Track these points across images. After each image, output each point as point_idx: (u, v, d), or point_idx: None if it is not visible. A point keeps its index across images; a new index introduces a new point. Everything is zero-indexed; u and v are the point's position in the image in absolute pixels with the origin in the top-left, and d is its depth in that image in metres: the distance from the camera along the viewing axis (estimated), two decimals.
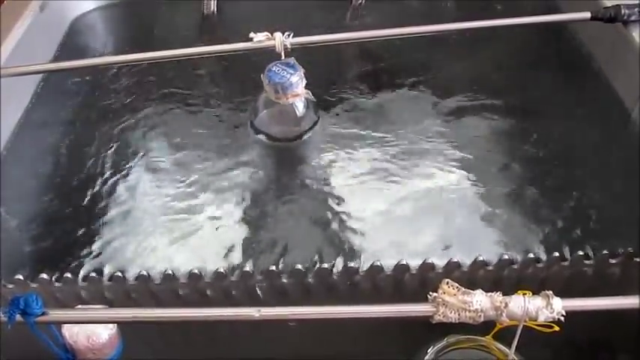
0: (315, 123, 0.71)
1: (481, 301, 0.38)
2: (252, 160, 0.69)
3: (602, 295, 0.40)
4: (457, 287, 0.39)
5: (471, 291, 0.38)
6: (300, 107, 0.69)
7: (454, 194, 0.64)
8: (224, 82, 0.81)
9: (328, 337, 0.52)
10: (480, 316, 0.38)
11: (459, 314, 0.38)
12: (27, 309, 0.39)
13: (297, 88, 0.66)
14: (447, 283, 0.39)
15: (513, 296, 0.39)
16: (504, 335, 0.41)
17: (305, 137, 0.70)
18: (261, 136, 0.71)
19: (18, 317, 0.39)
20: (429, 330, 0.40)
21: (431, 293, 0.39)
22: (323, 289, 0.56)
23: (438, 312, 0.38)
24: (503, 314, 0.38)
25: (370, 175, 0.66)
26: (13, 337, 0.39)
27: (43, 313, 0.39)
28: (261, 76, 0.66)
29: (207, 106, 0.77)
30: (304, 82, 0.66)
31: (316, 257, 0.58)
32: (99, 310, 0.43)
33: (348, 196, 0.64)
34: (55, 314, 0.39)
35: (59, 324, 0.43)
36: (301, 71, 0.66)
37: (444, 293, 0.38)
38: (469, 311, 0.38)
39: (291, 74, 0.65)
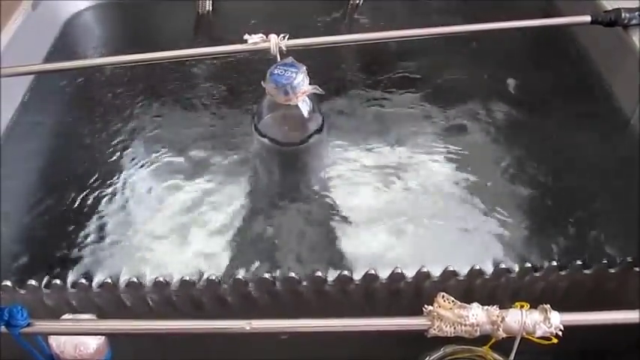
0: (321, 126, 0.70)
1: (477, 315, 0.37)
2: (256, 165, 0.68)
3: (600, 305, 0.39)
4: (453, 301, 0.38)
5: (467, 305, 0.38)
6: (305, 109, 0.68)
7: (455, 201, 0.63)
8: (223, 83, 0.80)
9: (321, 345, 0.51)
10: (477, 330, 0.38)
11: (454, 328, 0.38)
12: (11, 320, 0.38)
13: (304, 85, 0.65)
14: (443, 296, 0.38)
15: (510, 310, 0.38)
16: (502, 345, 0.40)
17: (310, 141, 0.69)
18: (265, 140, 0.70)
19: (3, 328, 0.38)
20: (426, 339, 0.39)
21: (426, 306, 0.38)
22: (318, 297, 0.55)
23: (433, 326, 0.38)
24: (500, 329, 0.37)
25: (375, 180, 0.65)
26: (7, 344, 0.38)
27: (28, 324, 0.38)
28: (262, 82, 0.65)
29: (205, 107, 0.76)
30: (307, 78, 0.65)
31: (314, 266, 0.57)
32: (85, 322, 0.42)
33: (351, 202, 0.64)
34: (41, 325, 0.39)
35: (45, 335, 0.42)
36: (303, 68, 0.65)
37: (440, 307, 0.38)
38: (465, 325, 0.37)
39: (296, 73, 0.64)
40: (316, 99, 0.67)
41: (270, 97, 0.66)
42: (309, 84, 0.65)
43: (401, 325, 0.38)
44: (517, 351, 0.39)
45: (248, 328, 0.38)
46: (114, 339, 0.47)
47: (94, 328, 0.40)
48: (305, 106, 0.67)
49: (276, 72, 0.64)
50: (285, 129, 0.69)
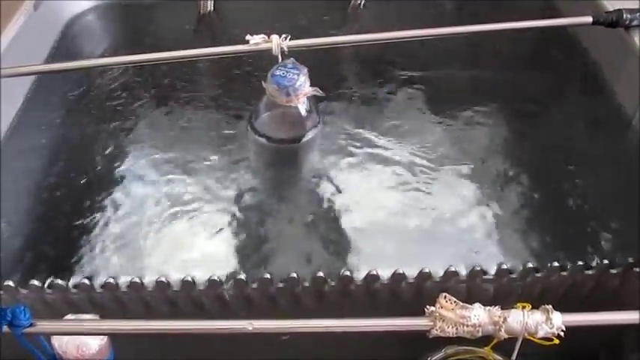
0: (317, 124, 0.70)
1: (479, 316, 0.37)
2: (252, 163, 0.68)
3: (601, 305, 0.39)
4: (455, 301, 0.38)
5: (469, 305, 0.38)
6: (302, 109, 0.68)
7: (455, 201, 0.63)
8: (222, 83, 0.80)
9: (323, 345, 0.51)
10: (478, 330, 0.38)
11: (456, 329, 0.38)
12: (14, 320, 0.38)
13: (305, 87, 0.65)
14: (445, 297, 0.38)
15: (512, 310, 0.38)
16: (504, 346, 0.40)
17: (306, 139, 0.69)
18: (262, 139, 0.70)
19: (5, 328, 0.38)
20: (428, 340, 0.39)
21: (428, 307, 0.38)
22: (319, 297, 0.55)
23: (435, 326, 0.38)
24: (502, 329, 0.37)
25: (371, 178, 0.66)
26: (8, 343, 0.38)
27: (31, 325, 0.38)
28: (263, 82, 0.65)
29: (205, 108, 0.76)
30: (308, 80, 0.66)
31: (314, 265, 0.57)
32: (87, 322, 0.42)
33: (347, 201, 0.64)
34: (43, 325, 0.39)
35: (47, 335, 0.42)
36: (305, 70, 0.65)
37: (442, 307, 0.38)
38: (467, 326, 0.38)
39: (297, 75, 0.65)
40: (314, 98, 0.68)
41: (270, 97, 0.66)
42: (310, 85, 0.66)
43: (403, 325, 0.38)
44: (519, 352, 0.39)
45: (250, 328, 0.38)
46: (116, 340, 0.47)
47: (96, 328, 0.40)
48: (302, 106, 0.67)
49: (277, 73, 0.65)
50: (283, 128, 0.69)
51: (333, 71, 0.81)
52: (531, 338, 0.38)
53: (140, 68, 0.80)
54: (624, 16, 0.68)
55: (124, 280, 0.55)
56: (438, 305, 0.38)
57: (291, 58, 0.65)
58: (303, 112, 0.68)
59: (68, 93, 0.79)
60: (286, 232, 0.61)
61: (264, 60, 0.66)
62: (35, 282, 0.54)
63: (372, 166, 0.67)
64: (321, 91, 0.67)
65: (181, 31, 0.90)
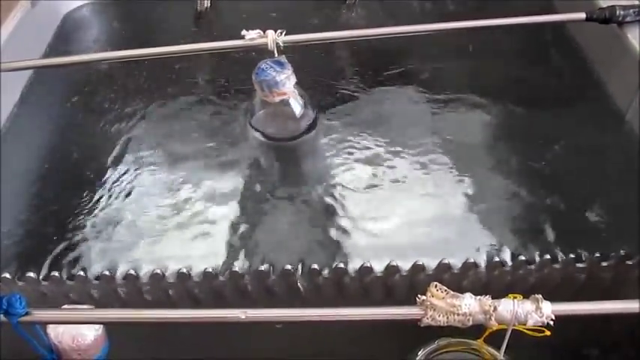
0: (313, 122, 0.70)
1: (470, 305, 0.38)
2: (249, 160, 0.69)
3: (594, 297, 0.39)
4: (445, 290, 0.38)
5: (460, 294, 0.38)
6: (295, 106, 0.68)
7: (449, 195, 0.63)
8: (219, 80, 0.80)
9: (316, 338, 0.52)
10: (469, 319, 0.38)
11: (447, 317, 0.38)
12: (10, 309, 0.38)
13: (283, 86, 0.64)
14: (436, 286, 0.38)
15: (502, 300, 0.38)
16: (496, 339, 0.40)
17: (302, 137, 0.70)
18: (258, 135, 0.70)
19: (2, 318, 0.38)
20: (421, 332, 0.39)
21: (419, 296, 0.38)
22: (313, 289, 0.56)
23: (426, 315, 0.38)
24: (492, 318, 0.38)
25: (367, 175, 0.66)
26: (5, 336, 0.39)
27: (27, 313, 0.38)
28: (253, 74, 0.66)
29: (202, 104, 0.76)
30: (293, 80, 0.65)
31: (307, 258, 0.57)
32: (84, 311, 0.42)
33: (343, 197, 0.64)
34: (39, 314, 0.39)
35: (43, 324, 0.43)
36: (290, 69, 0.65)
37: (433, 296, 0.38)
38: (458, 315, 0.38)
39: (278, 72, 0.64)
40: (308, 96, 0.68)
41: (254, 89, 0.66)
42: (294, 86, 0.65)
43: (394, 314, 0.39)
44: (513, 346, 0.39)
45: (243, 317, 0.38)
46: (112, 333, 0.48)
47: (91, 316, 0.41)
48: (296, 103, 0.67)
49: (262, 67, 0.65)
50: (277, 125, 0.69)
51: (331, 68, 0.82)
52: (521, 329, 0.38)
53: (136, 63, 0.80)
54: (617, 12, 0.68)
55: (119, 272, 0.55)
56: (429, 294, 0.38)
57: (283, 55, 0.65)
58: (297, 110, 0.68)
59: (64, 87, 0.80)
60: (282, 226, 0.62)
61: (264, 56, 0.66)
62: (31, 274, 0.55)
63: (368, 161, 0.67)
64: (300, 95, 0.67)
65: (178, 27, 0.90)
